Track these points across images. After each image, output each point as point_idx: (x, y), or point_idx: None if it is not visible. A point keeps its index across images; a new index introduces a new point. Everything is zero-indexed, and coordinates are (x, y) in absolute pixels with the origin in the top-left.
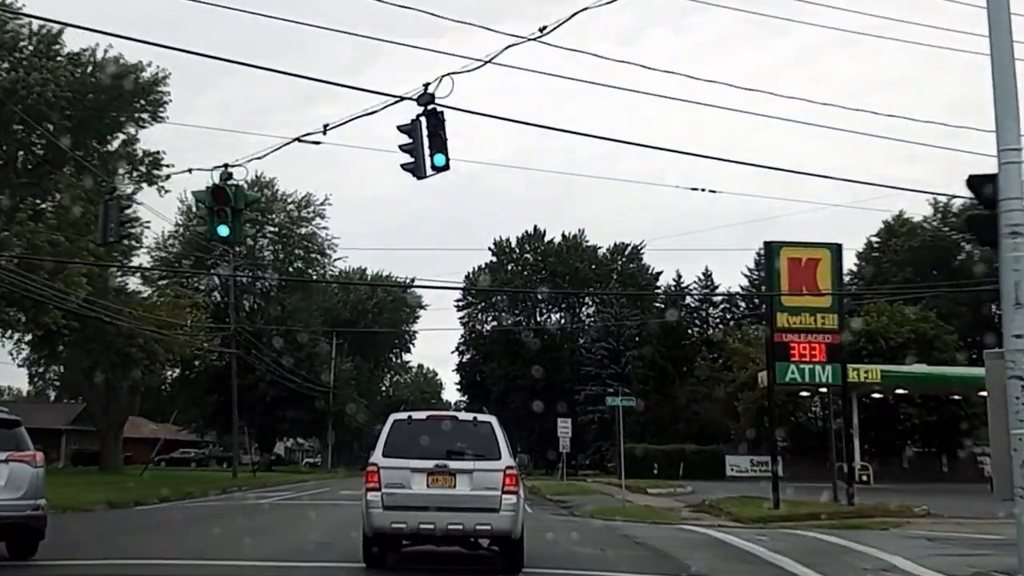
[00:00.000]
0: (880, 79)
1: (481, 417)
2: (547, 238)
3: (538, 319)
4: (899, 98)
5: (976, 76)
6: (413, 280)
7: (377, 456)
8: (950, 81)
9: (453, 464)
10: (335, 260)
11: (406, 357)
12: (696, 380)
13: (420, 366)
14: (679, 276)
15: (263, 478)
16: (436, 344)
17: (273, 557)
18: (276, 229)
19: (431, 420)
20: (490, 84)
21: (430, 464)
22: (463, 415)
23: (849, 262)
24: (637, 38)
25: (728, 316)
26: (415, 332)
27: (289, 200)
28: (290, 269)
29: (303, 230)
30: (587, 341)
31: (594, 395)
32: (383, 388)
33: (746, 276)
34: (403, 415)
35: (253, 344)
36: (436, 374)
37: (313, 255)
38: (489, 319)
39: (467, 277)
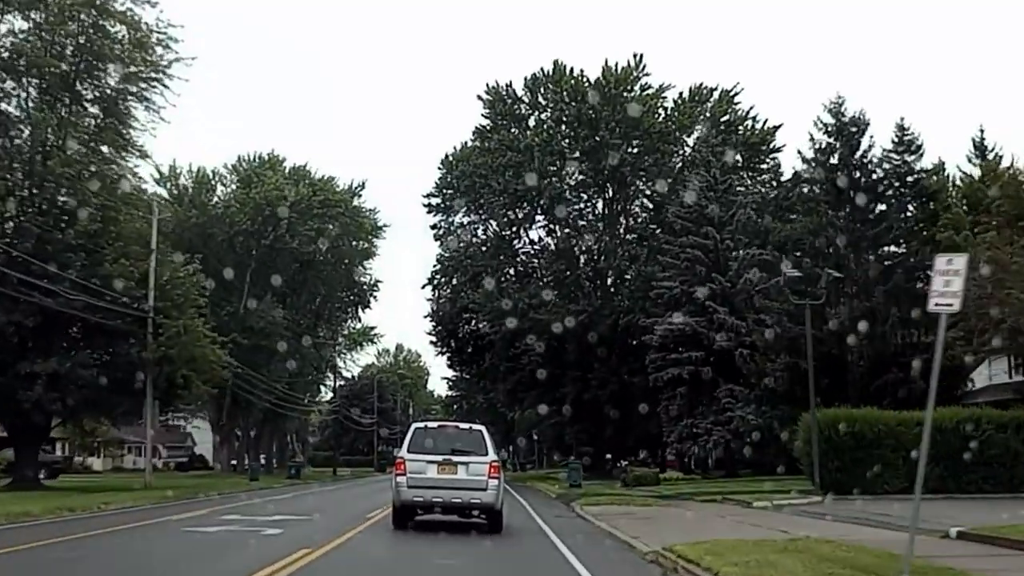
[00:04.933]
0: None
1: (475, 427)
2: (576, 75)
3: (569, 218)
4: None
5: None
6: (363, 184)
7: (404, 452)
8: None
9: (455, 458)
10: (173, 62)
11: (370, 323)
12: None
13: (399, 346)
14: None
15: None
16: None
17: None
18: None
19: (440, 428)
20: None
21: (440, 458)
22: (463, 425)
23: None
24: None
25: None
26: (377, 283)
27: None
28: (79, 84)
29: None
30: (664, 239)
31: (677, 335)
32: (338, 360)
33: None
34: (422, 424)
35: None
36: (419, 356)
37: (131, 51)
38: (480, 224)
39: (445, 160)
